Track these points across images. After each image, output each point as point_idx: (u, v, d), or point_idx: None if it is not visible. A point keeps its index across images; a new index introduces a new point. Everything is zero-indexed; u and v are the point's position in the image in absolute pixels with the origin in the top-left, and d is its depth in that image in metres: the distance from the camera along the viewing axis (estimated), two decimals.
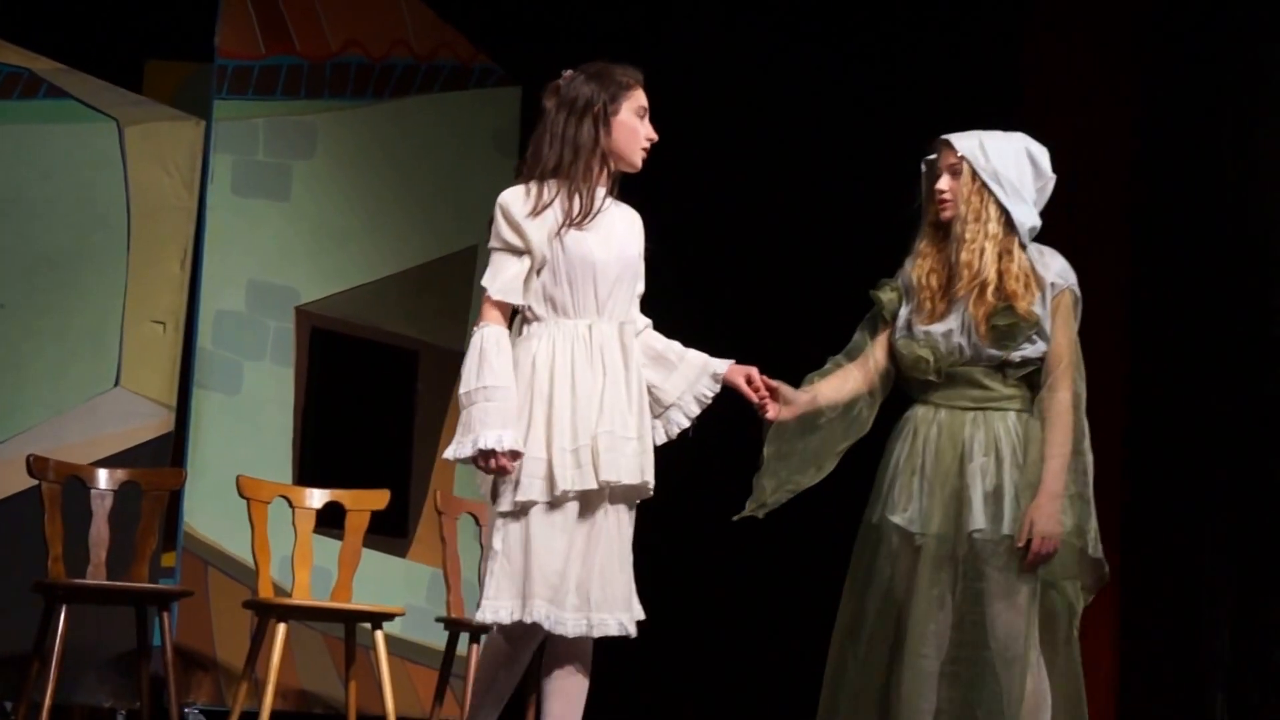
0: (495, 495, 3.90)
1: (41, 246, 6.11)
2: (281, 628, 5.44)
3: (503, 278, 3.92)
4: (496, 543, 3.87)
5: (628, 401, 3.91)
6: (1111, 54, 6.73)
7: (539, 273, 3.92)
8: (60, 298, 6.10)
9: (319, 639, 6.42)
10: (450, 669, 5.71)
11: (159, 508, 5.68)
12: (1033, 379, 4.13)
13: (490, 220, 3.97)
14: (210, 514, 6.16)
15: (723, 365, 4.07)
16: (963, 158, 4.11)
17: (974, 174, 4.10)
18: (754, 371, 4.09)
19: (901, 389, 4.27)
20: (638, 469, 3.89)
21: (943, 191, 4.14)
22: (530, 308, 3.94)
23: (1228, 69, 6.47)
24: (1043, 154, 4.18)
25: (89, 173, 6.17)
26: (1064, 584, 4.08)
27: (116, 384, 6.10)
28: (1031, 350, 4.10)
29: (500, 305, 3.92)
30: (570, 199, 3.92)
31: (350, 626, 5.70)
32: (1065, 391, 4.08)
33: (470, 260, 6.99)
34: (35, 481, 5.52)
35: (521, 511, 3.85)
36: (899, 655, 4.06)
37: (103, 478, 5.66)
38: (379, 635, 5.58)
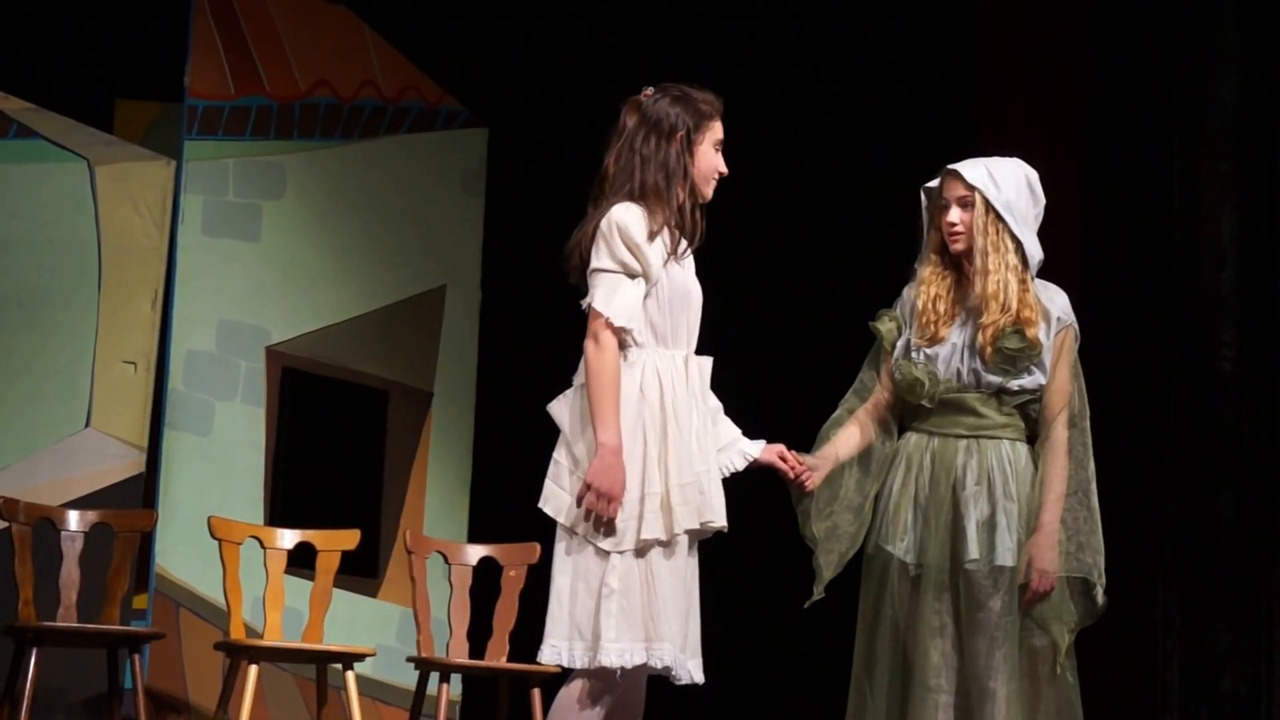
0: (598, 531, 3.71)
1: (11, 286, 6.10)
2: (253, 669, 5.42)
3: (622, 302, 3.74)
4: (613, 581, 3.67)
5: (713, 439, 3.85)
6: (1057, 72, 6.81)
7: (644, 299, 3.78)
8: (30, 338, 6.08)
9: (291, 680, 6.41)
10: (421, 709, 5.69)
11: (130, 549, 5.66)
12: (1027, 409, 4.13)
13: (591, 237, 3.79)
14: (182, 555, 6.14)
15: (756, 448, 3.98)
16: (974, 189, 4.07)
17: (987, 206, 4.07)
18: (784, 449, 4.04)
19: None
20: (724, 510, 3.81)
21: (954, 224, 4.09)
22: (632, 333, 3.79)
23: (1171, 97, 6.57)
24: (1037, 180, 4.16)
25: (60, 213, 6.15)
26: (1051, 623, 4.08)
27: (87, 425, 6.08)
28: (1029, 380, 4.09)
29: (618, 332, 3.74)
30: (674, 225, 3.81)
31: (322, 667, 5.69)
32: (1064, 429, 4.09)
33: (439, 300, 7.03)
34: (5, 524, 5.50)
35: (643, 549, 3.71)
36: (910, 687, 4.06)
37: (73, 519, 5.63)
38: (350, 676, 5.57)
